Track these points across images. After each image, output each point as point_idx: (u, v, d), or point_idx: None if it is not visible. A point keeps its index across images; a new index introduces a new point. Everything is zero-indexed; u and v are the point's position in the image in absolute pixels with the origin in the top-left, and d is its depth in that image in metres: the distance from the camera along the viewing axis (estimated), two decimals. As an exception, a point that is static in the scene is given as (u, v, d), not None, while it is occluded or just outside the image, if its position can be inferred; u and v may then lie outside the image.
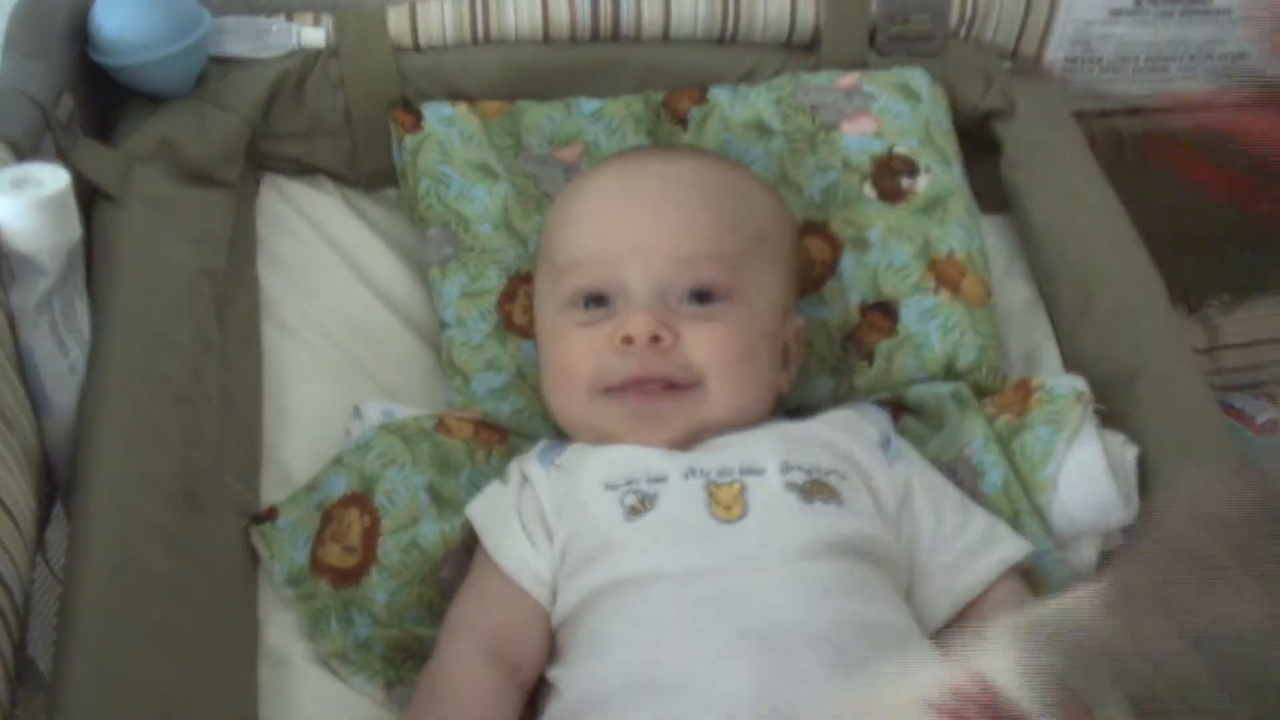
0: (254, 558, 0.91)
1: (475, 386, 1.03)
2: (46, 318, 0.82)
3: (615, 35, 1.16)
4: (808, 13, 1.18)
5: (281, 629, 0.89)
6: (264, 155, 1.14)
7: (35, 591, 0.78)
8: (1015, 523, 0.95)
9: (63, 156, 0.93)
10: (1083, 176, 1.16)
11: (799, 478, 0.88)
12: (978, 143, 1.20)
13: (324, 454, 0.97)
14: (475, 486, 0.96)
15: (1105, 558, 0.97)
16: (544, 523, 0.90)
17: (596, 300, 0.95)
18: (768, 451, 0.90)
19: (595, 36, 1.16)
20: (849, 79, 1.16)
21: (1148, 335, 1.02)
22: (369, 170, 1.16)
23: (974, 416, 1.00)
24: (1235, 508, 0.60)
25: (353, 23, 1.13)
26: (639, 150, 1.11)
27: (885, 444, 0.95)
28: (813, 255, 1.09)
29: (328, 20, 1.13)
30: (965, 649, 0.64)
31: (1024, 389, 1.01)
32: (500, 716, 0.84)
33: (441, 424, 0.99)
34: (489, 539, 0.90)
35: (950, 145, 1.14)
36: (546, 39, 1.15)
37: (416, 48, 1.14)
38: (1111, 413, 1.00)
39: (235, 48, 1.12)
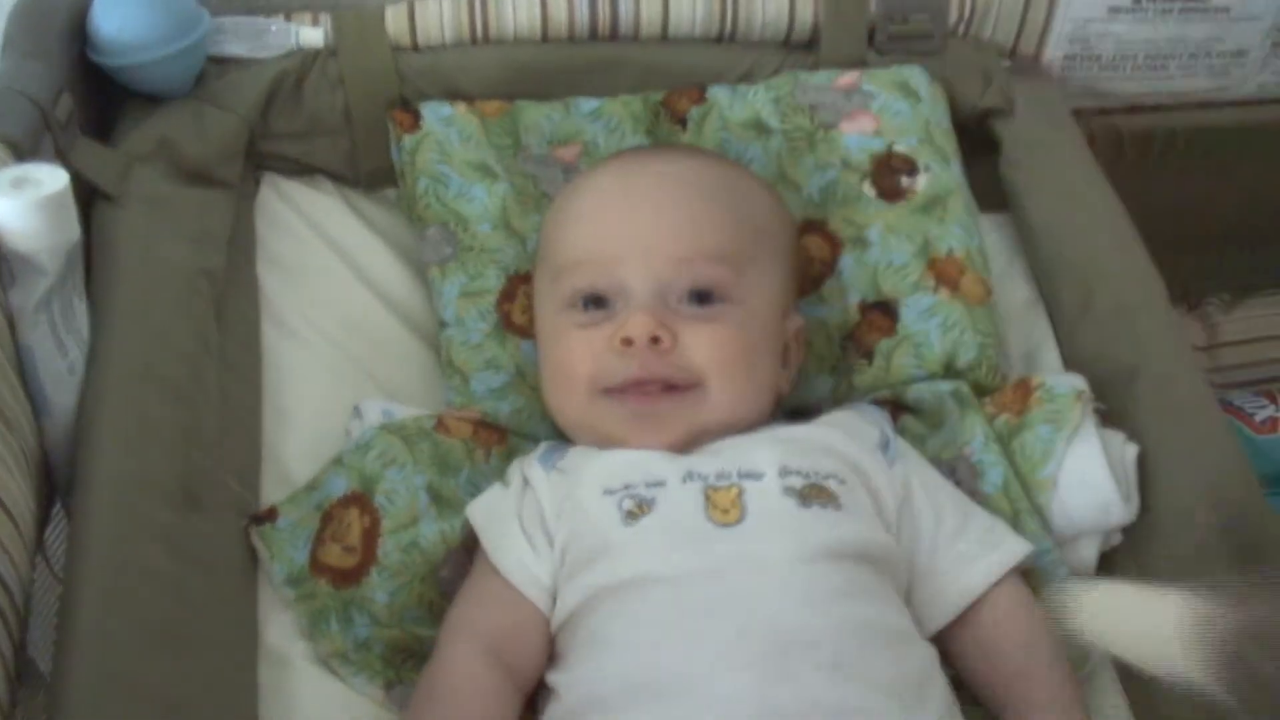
0: (254, 558, 0.91)
1: (474, 386, 1.03)
2: (46, 318, 0.82)
3: (614, 35, 1.16)
4: (806, 12, 1.18)
5: (281, 629, 0.89)
6: (263, 155, 1.14)
7: (35, 591, 0.78)
8: (1015, 522, 0.95)
9: (62, 156, 0.93)
10: (1082, 175, 1.16)
11: (797, 482, 0.88)
12: (977, 141, 1.20)
13: (324, 454, 0.97)
14: (475, 486, 0.96)
15: (1105, 557, 0.97)
16: (544, 526, 0.90)
17: (596, 301, 0.95)
18: (766, 456, 0.89)
19: (594, 36, 1.16)
20: (848, 78, 1.16)
21: (1147, 334, 1.03)
22: (368, 170, 1.16)
23: (974, 415, 1.00)
24: None
25: (351, 22, 1.13)
26: (638, 150, 1.11)
27: (885, 445, 0.95)
28: (812, 254, 1.09)
29: (326, 20, 1.13)
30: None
31: (1024, 388, 1.01)
32: (499, 716, 0.83)
33: (441, 424, 0.99)
34: (489, 542, 0.90)
35: (949, 144, 1.14)
36: (545, 38, 1.15)
37: (415, 47, 1.14)
38: (1111, 411, 1.00)
39: (234, 48, 1.12)
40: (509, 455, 1.00)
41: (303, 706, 0.86)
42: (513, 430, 1.02)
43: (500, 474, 0.97)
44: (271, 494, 0.95)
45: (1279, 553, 0.90)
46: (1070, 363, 1.09)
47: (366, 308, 1.09)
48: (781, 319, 0.99)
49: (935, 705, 0.81)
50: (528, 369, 1.04)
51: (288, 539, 0.91)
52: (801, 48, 1.20)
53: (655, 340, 0.91)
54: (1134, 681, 0.93)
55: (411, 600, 0.90)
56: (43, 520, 0.83)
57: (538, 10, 1.14)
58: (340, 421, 0.99)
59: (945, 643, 0.89)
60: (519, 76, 1.15)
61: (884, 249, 1.08)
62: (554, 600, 0.87)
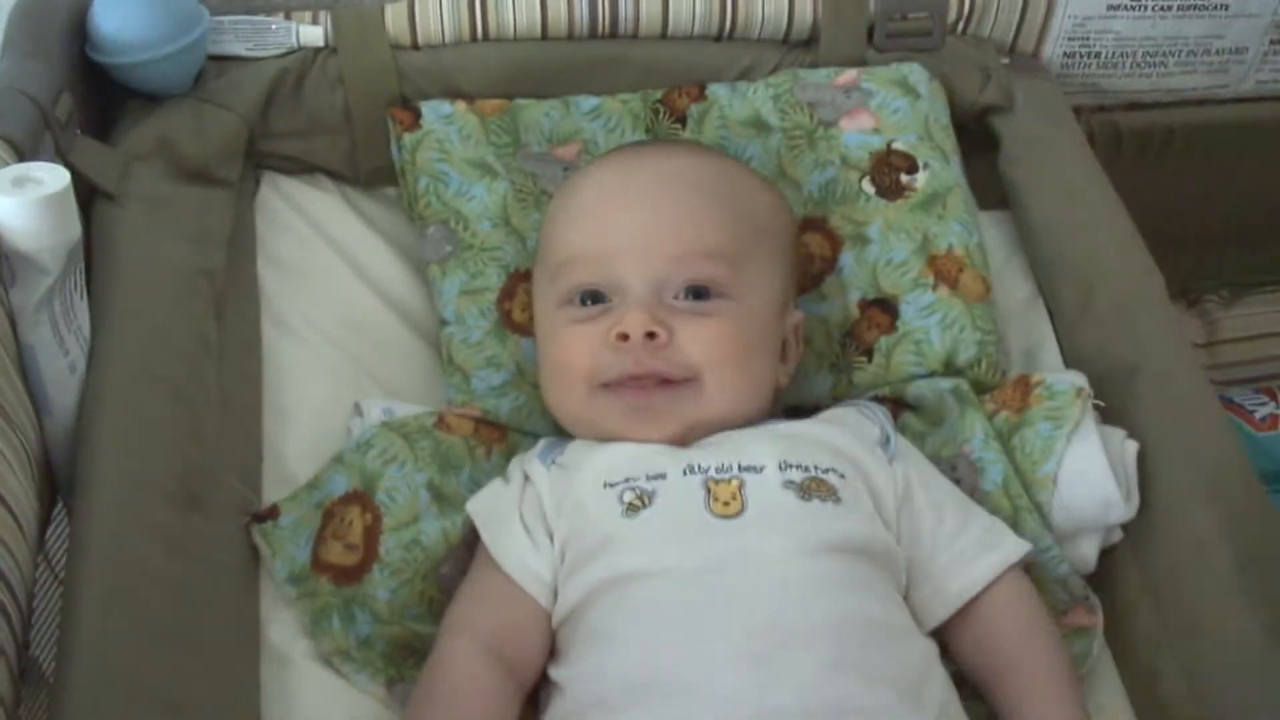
0: (255, 556, 0.91)
1: (475, 384, 1.03)
2: (47, 317, 0.82)
3: (613, 33, 1.16)
4: (806, 9, 1.18)
5: (283, 627, 0.89)
6: (263, 154, 1.14)
7: (36, 591, 0.78)
8: (1015, 519, 0.95)
9: (62, 156, 0.93)
10: (1081, 172, 1.16)
11: (797, 475, 0.88)
12: (976, 138, 1.20)
13: (324, 452, 0.97)
14: (476, 484, 0.96)
15: (1106, 554, 0.97)
16: (545, 521, 0.90)
17: (593, 297, 0.95)
18: (766, 450, 0.90)
19: (593, 34, 1.16)
20: (847, 75, 1.16)
21: (1147, 331, 1.03)
22: (368, 168, 1.16)
23: (973, 413, 1.00)
24: None
25: (351, 21, 1.13)
26: (636, 146, 1.11)
27: (885, 442, 0.95)
28: (812, 252, 1.09)
29: (326, 19, 1.13)
30: None
31: (1023, 385, 1.01)
32: (500, 713, 0.84)
33: (442, 421, 0.99)
34: (490, 538, 0.90)
35: (949, 141, 1.15)
36: (545, 37, 1.15)
37: (415, 46, 1.14)
38: (1111, 408, 1.00)
39: (234, 46, 1.12)
40: (510, 453, 1.00)
41: (305, 704, 0.86)
42: (513, 428, 1.02)
43: (501, 471, 0.97)
44: (272, 493, 0.95)
45: (1280, 550, 0.90)
46: (1070, 360, 1.09)
47: (367, 306, 1.09)
48: (780, 315, 0.99)
49: (936, 700, 0.81)
50: (528, 367, 1.04)
51: (289, 537, 0.91)
52: (801, 45, 1.20)
53: (651, 336, 0.91)
54: (1134, 678, 0.94)
55: (413, 598, 0.90)
56: (44, 519, 0.83)
57: (537, 9, 1.14)
58: (341, 420, 1.00)
59: (946, 638, 0.89)
60: (519, 75, 1.15)
61: (884, 246, 1.08)
62: (555, 596, 0.87)
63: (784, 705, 0.76)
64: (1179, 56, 1.31)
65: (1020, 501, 0.95)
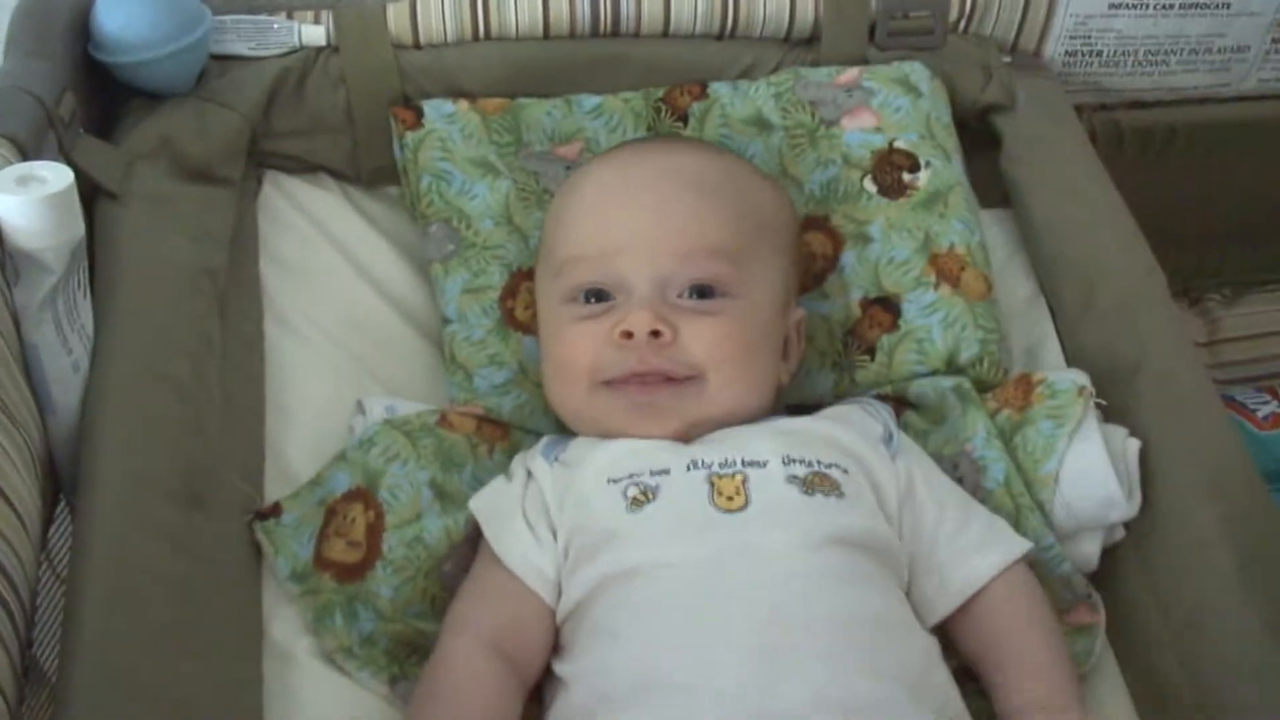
0: (258, 554, 0.91)
1: (477, 382, 1.03)
2: (50, 315, 0.82)
3: (615, 31, 1.17)
4: (807, 8, 1.18)
5: (285, 625, 0.89)
6: (265, 153, 1.14)
7: (39, 590, 0.78)
8: (1017, 518, 0.95)
9: (65, 154, 0.93)
10: (1083, 170, 1.16)
11: (800, 470, 0.88)
12: (978, 137, 1.20)
13: (327, 450, 0.97)
14: (478, 482, 0.96)
15: (1108, 552, 0.97)
16: (548, 518, 0.90)
17: (597, 294, 0.95)
18: (769, 445, 0.90)
19: (595, 33, 1.16)
20: (849, 74, 1.17)
21: (1149, 329, 1.03)
22: (370, 167, 1.16)
23: (975, 411, 1.00)
24: None
25: (353, 20, 1.13)
26: (640, 142, 1.11)
27: (887, 439, 0.95)
28: (814, 250, 1.09)
29: (328, 18, 1.13)
30: None
31: (1025, 383, 1.01)
32: (501, 711, 0.84)
33: (444, 419, 0.99)
34: (492, 534, 0.90)
35: (950, 140, 1.15)
36: (546, 36, 1.15)
37: (417, 45, 1.14)
38: (1113, 407, 1.00)
39: (236, 46, 1.12)
40: (512, 451, 1.00)
41: (307, 702, 0.86)
42: (516, 426, 1.02)
43: (504, 470, 0.97)
44: (275, 491, 0.95)
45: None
46: (1072, 358, 1.09)
47: (369, 305, 1.09)
48: (783, 312, 0.99)
49: (938, 695, 0.81)
50: (530, 365, 1.04)
51: (292, 535, 0.91)
52: (802, 44, 1.20)
53: (655, 334, 0.91)
54: (1136, 676, 0.94)
55: (415, 595, 0.90)
56: (48, 518, 0.83)
57: (539, 8, 1.14)
58: (343, 418, 1.00)
59: (948, 631, 0.89)
60: (520, 74, 1.16)
61: (885, 245, 1.08)
62: (558, 592, 0.87)
63: (789, 699, 0.76)
64: (1181, 55, 1.31)
65: (1022, 500, 0.95)
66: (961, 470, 0.98)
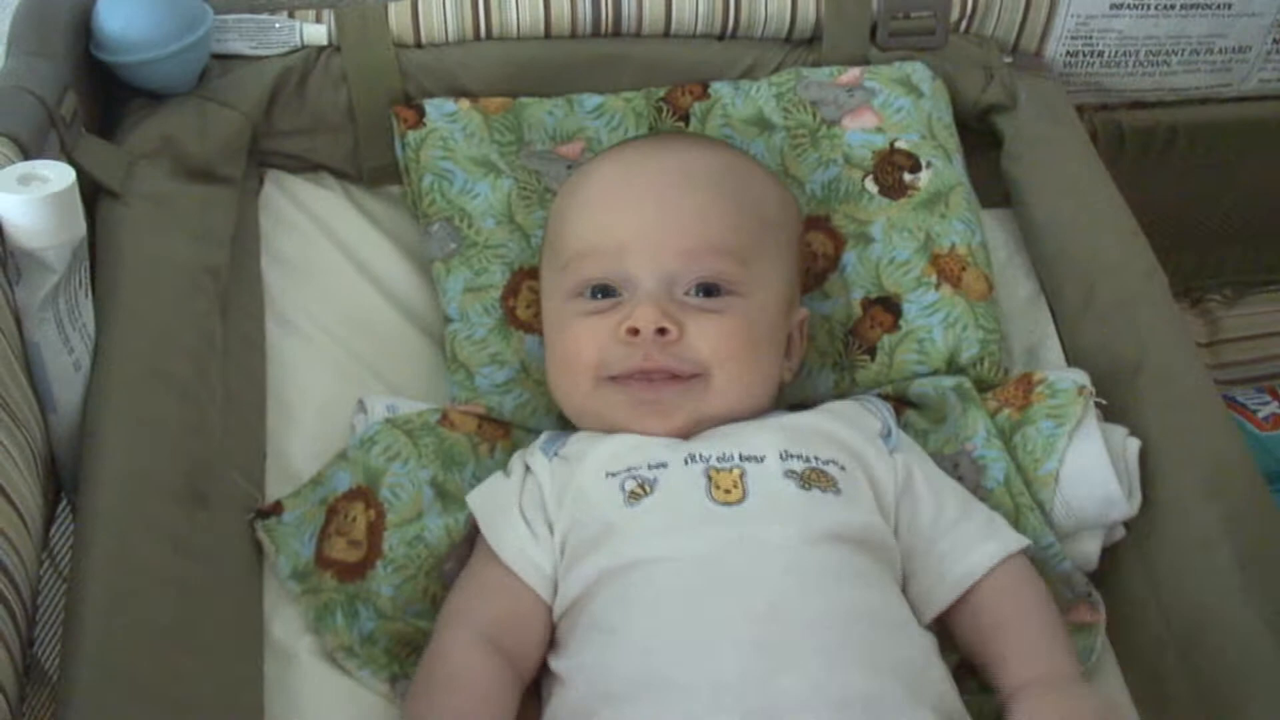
0: (259, 553, 0.91)
1: (479, 381, 1.03)
2: (52, 315, 0.83)
3: (616, 31, 1.17)
4: (809, 8, 1.18)
5: (287, 624, 0.89)
6: (267, 152, 1.14)
7: (41, 589, 0.78)
8: (1017, 517, 0.95)
9: (67, 154, 0.93)
10: (1084, 171, 1.16)
11: (797, 465, 0.88)
12: (979, 137, 1.20)
13: (328, 449, 0.97)
14: (479, 481, 0.96)
15: (1108, 551, 0.97)
16: (545, 513, 0.90)
17: (604, 291, 0.95)
18: (767, 440, 0.90)
19: (597, 32, 1.16)
20: (850, 74, 1.17)
21: (1150, 329, 1.03)
22: (371, 166, 1.16)
23: (976, 410, 1.00)
24: None
25: (354, 19, 1.13)
26: (646, 139, 1.11)
27: (886, 434, 0.96)
28: (815, 250, 1.09)
29: (330, 17, 1.13)
30: None
31: (1026, 383, 1.01)
32: (496, 703, 0.83)
33: (445, 418, 0.99)
34: (489, 528, 0.90)
35: (951, 140, 1.15)
36: (548, 35, 1.16)
37: (418, 44, 1.15)
38: (1114, 406, 1.00)
39: (237, 45, 1.12)
40: (513, 450, 1.00)
41: (308, 701, 0.86)
42: (517, 425, 1.03)
43: (504, 468, 0.97)
44: (276, 490, 0.95)
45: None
46: (1072, 357, 1.09)
47: (370, 304, 1.09)
48: (787, 311, 0.99)
49: (935, 690, 0.81)
50: (532, 364, 1.04)
51: (293, 533, 0.91)
52: (804, 44, 1.20)
53: (662, 332, 0.91)
54: (1137, 674, 0.94)
55: (416, 594, 0.91)
56: (49, 517, 0.83)
57: (541, 7, 1.14)
58: (344, 417, 1.00)
59: (948, 623, 0.89)
60: (522, 73, 1.16)
61: (886, 245, 1.09)
62: (554, 587, 0.87)
63: (786, 693, 0.76)
64: (1182, 55, 1.31)
65: (1022, 499, 0.95)
66: (961, 469, 0.98)
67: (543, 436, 0.97)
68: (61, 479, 0.86)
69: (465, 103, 1.13)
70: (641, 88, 1.18)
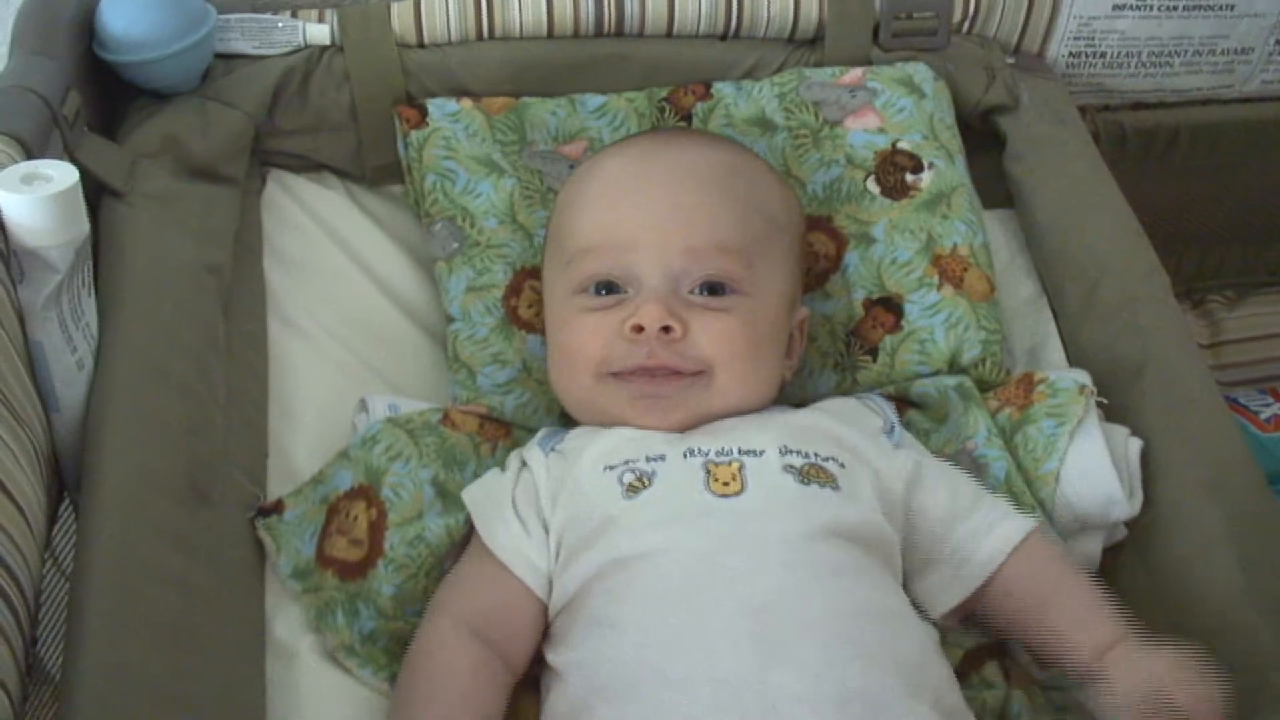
0: (261, 552, 0.91)
1: (480, 380, 1.03)
2: (55, 314, 0.83)
3: (619, 31, 1.17)
4: (811, 8, 1.18)
5: (288, 623, 0.89)
6: (269, 151, 1.14)
7: (43, 588, 0.78)
8: (1018, 517, 0.95)
9: (70, 153, 0.93)
10: (1086, 171, 1.16)
11: (796, 461, 0.88)
12: (981, 137, 1.20)
13: (330, 448, 0.97)
14: (481, 480, 0.96)
15: (1109, 551, 0.97)
16: (539, 509, 0.90)
17: (608, 287, 0.95)
18: (766, 435, 0.90)
19: (599, 32, 1.16)
20: (853, 74, 1.17)
21: (1151, 329, 1.03)
22: (374, 166, 1.16)
23: (977, 409, 1.00)
24: None
25: (357, 19, 1.13)
26: (651, 135, 1.11)
27: (889, 430, 0.96)
28: (816, 250, 1.10)
29: (332, 17, 1.13)
30: None
31: (1027, 382, 1.01)
32: (481, 693, 0.84)
33: (447, 418, 0.99)
34: (482, 523, 0.90)
35: (954, 140, 1.15)
36: (550, 35, 1.16)
37: (421, 44, 1.15)
38: (1115, 406, 1.00)
39: (240, 44, 1.12)
40: (514, 449, 1.00)
41: (309, 699, 0.86)
42: (518, 424, 1.03)
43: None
44: (278, 489, 0.95)
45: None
46: (1074, 358, 1.09)
47: (372, 303, 1.09)
48: (789, 311, 0.99)
49: (934, 685, 0.81)
50: (533, 364, 1.04)
51: (294, 532, 0.91)
52: (806, 44, 1.20)
53: (666, 330, 0.92)
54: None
55: (417, 593, 0.90)
56: (52, 516, 0.84)
57: (543, 7, 1.14)
58: (346, 416, 1.00)
59: (976, 608, 0.89)
60: (524, 73, 1.16)
61: (888, 245, 1.09)
62: (546, 582, 0.88)
63: (785, 686, 0.76)
64: (1184, 56, 1.31)
65: (1023, 499, 0.96)
66: (962, 468, 0.98)
67: (541, 432, 0.97)
68: (64, 478, 0.86)
69: (468, 102, 1.14)
70: (644, 88, 1.18)
